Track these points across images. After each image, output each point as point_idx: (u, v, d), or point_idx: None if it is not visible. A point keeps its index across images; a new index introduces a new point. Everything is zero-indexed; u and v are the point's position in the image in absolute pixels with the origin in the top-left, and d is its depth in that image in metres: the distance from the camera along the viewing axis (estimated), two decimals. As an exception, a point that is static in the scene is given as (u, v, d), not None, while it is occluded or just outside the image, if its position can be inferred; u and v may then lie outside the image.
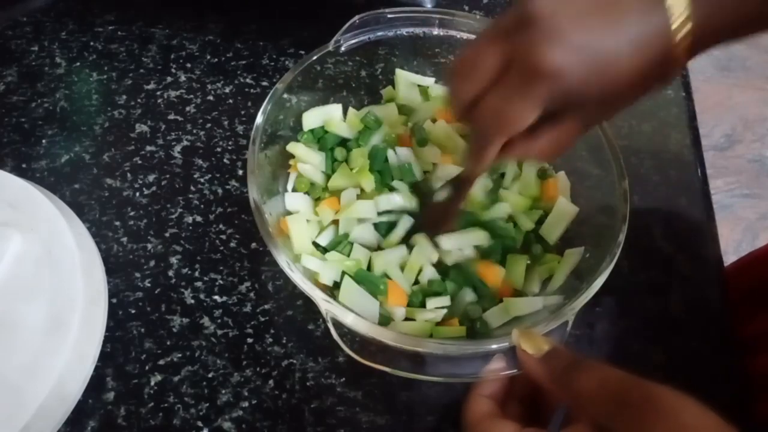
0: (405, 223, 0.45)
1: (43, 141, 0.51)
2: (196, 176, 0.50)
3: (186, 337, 0.43)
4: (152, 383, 0.41)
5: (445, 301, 0.42)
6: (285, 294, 0.45)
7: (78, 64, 0.56)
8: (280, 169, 0.47)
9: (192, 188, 0.50)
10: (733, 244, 1.49)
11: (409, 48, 0.52)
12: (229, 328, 0.44)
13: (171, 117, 0.53)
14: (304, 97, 0.48)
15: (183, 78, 0.56)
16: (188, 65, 0.57)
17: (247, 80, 0.56)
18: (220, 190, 0.50)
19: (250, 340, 0.43)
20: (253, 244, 0.47)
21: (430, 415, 0.41)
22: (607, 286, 0.38)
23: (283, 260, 0.38)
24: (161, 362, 0.42)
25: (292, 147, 0.47)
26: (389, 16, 0.49)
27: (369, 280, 0.42)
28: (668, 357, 0.45)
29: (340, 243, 0.44)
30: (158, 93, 0.55)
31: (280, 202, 0.46)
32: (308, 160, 0.47)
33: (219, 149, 0.52)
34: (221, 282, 0.45)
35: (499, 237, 0.45)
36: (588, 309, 0.39)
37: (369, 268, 0.44)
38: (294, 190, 0.47)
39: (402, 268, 0.44)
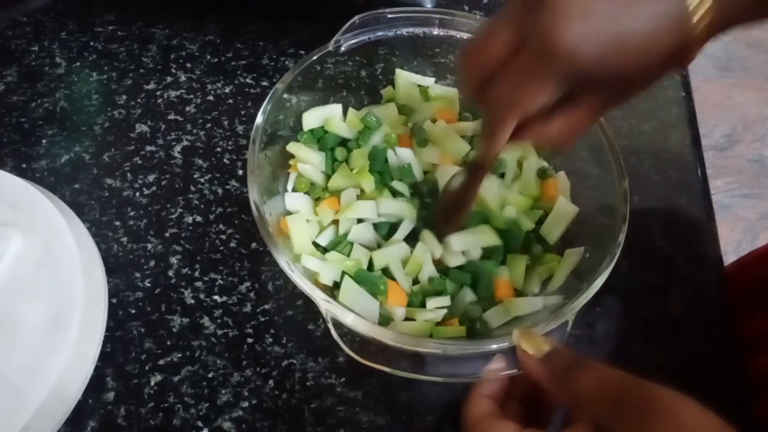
0: (405, 227, 0.45)
1: (43, 141, 0.51)
2: (196, 176, 0.50)
3: (186, 337, 0.43)
4: (152, 383, 0.41)
5: (445, 301, 0.42)
6: (285, 294, 0.45)
7: (78, 64, 0.56)
8: (280, 169, 0.47)
9: (192, 188, 0.50)
10: (733, 244, 1.49)
11: (409, 48, 0.52)
12: (229, 328, 0.44)
13: (171, 117, 0.53)
14: (304, 97, 0.48)
15: (183, 78, 0.56)
16: (188, 65, 0.57)
17: (247, 80, 0.56)
18: (220, 190, 0.50)
19: (250, 340, 0.43)
20: (253, 244, 0.47)
21: (430, 415, 0.41)
22: (607, 286, 0.38)
23: (283, 260, 0.38)
24: (161, 362, 0.42)
25: (292, 147, 0.47)
26: (389, 16, 0.49)
27: (369, 280, 0.42)
28: (668, 357, 0.45)
29: (340, 243, 0.44)
30: (158, 93, 0.55)
31: (280, 202, 0.46)
32: (308, 160, 0.47)
33: (219, 149, 0.52)
34: (221, 282, 0.45)
35: (509, 239, 0.45)
36: (588, 309, 0.39)
37: (369, 267, 0.44)
38: (294, 190, 0.47)
39: (403, 264, 0.44)
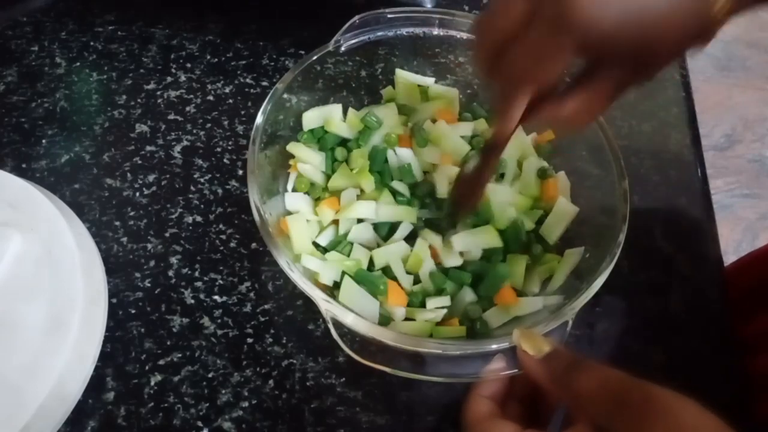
0: (405, 227, 0.45)
1: (43, 141, 0.51)
2: (196, 176, 0.50)
3: (186, 337, 0.43)
4: (152, 383, 0.41)
5: (445, 301, 0.42)
6: (285, 294, 0.45)
7: (78, 64, 0.56)
8: (280, 169, 0.47)
9: (192, 188, 0.50)
10: (733, 244, 1.49)
11: (409, 48, 0.52)
12: (229, 328, 0.44)
13: (171, 117, 0.53)
14: (304, 97, 0.48)
15: (183, 78, 0.56)
16: (188, 65, 0.57)
17: (247, 80, 0.56)
18: (220, 190, 0.50)
19: (250, 340, 0.43)
20: (253, 244, 0.47)
21: (430, 415, 0.41)
22: (607, 286, 0.38)
23: (283, 260, 0.38)
24: (161, 362, 0.42)
25: (292, 147, 0.47)
26: (389, 16, 0.49)
27: (369, 280, 0.42)
28: (668, 357, 0.45)
29: (340, 243, 0.44)
30: (158, 93, 0.55)
31: (280, 202, 0.46)
32: (308, 160, 0.47)
33: (219, 149, 0.52)
34: (221, 282, 0.45)
35: (509, 239, 0.45)
36: (588, 309, 0.39)
37: (369, 267, 0.44)
38: (294, 190, 0.47)
39: (404, 263, 0.44)
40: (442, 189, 0.46)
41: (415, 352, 0.35)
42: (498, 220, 0.45)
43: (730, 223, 1.53)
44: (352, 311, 0.36)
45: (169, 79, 0.56)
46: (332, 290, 0.43)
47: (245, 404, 0.41)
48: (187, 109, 0.54)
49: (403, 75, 0.51)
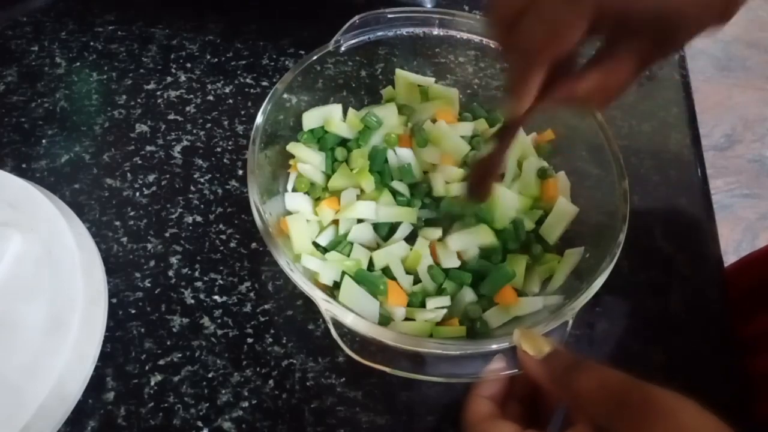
0: (405, 227, 0.45)
1: (43, 141, 0.51)
2: (196, 176, 0.50)
3: (186, 337, 0.43)
4: (152, 383, 0.41)
5: (445, 301, 0.42)
6: (285, 294, 0.45)
7: (78, 64, 0.56)
8: (280, 169, 0.47)
9: (192, 188, 0.50)
10: (733, 244, 1.49)
11: (409, 48, 0.52)
12: (229, 328, 0.44)
13: (171, 117, 0.53)
14: (304, 97, 0.48)
15: (183, 78, 0.56)
16: (188, 65, 0.57)
17: (247, 80, 0.56)
18: (220, 190, 0.50)
19: (250, 340, 0.43)
20: (253, 244, 0.47)
21: (430, 415, 0.41)
22: (607, 286, 0.38)
23: (283, 260, 0.38)
24: (161, 362, 0.42)
25: (292, 147, 0.47)
26: (389, 16, 0.49)
27: (369, 280, 0.42)
28: (668, 357, 0.45)
29: (340, 243, 0.44)
30: (158, 93, 0.55)
31: (280, 202, 0.46)
32: (308, 160, 0.47)
33: (219, 149, 0.52)
34: (221, 282, 0.45)
35: (509, 239, 0.45)
36: (588, 309, 0.39)
37: (369, 267, 0.44)
38: (294, 190, 0.47)
39: (403, 262, 0.44)
40: (439, 189, 0.47)
41: (415, 352, 0.35)
42: (498, 220, 0.45)
43: (730, 223, 1.53)
44: (352, 311, 0.36)
45: (169, 79, 0.56)
46: (332, 290, 0.43)
47: (245, 404, 0.41)
48: (187, 109, 0.54)
49: (403, 75, 0.51)
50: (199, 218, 0.48)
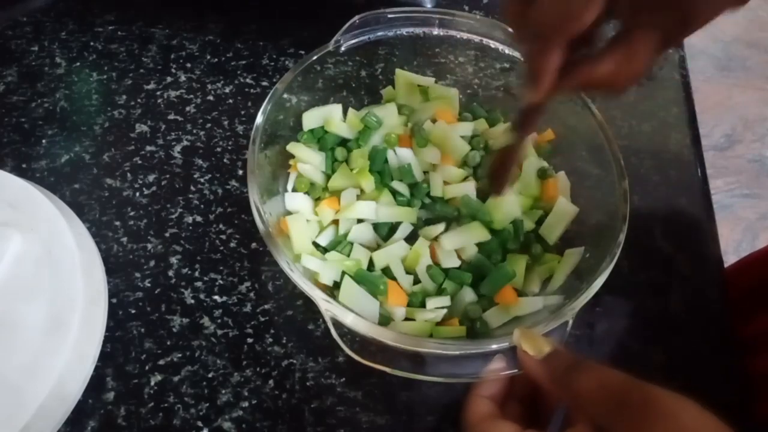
0: (405, 227, 0.45)
1: (43, 141, 0.51)
2: (196, 176, 0.50)
3: (186, 337, 0.43)
4: (152, 383, 0.41)
5: (445, 301, 0.42)
6: (285, 294, 0.45)
7: (78, 64, 0.56)
8: (280, 169, 0.47)
9: (192, 188, 0.50)
10: (733, 244, 1.49)
11: (409, 48, 0.52)
12: (229, 328, 0.44)
13: (171, 117, 0.53)
14: (304, 97, 0.48)
15: (183, 78, 0.56)
16: (188, 65, 0.57)
17: (247, 80, 0.56)
18: (220, 190, 0.50)
19: (250, 340, 0.43)
20: (253, 244, 0.47)
21: (430, 415, 0.41)
22: (607, 286, 0.38)
23: (283, 260, 0.38)
24: (161, 362, 0.42)
25: (292, 147, 0.47)
26: (389, 16, 0.49)
27: (369, 280, 0.42)
28: (668, 357, 0.45)
29: (340, 243, 0.44)
30: (158, 93, 0.55)
31: (280, 202, 0.46)
32: (308, 160, 0.47)
33: (219, 149, 0.52)
34: (221, 282, 0.45)
35: (508, 239, 0.45)
36: (588, 309, 0.39)
37: (369, 267, 0.44)
38: (294, 190, 0.47)
39: (403, 262, 0.44)
40: (437, 189, 0.47)
41: (415, 352, 0.35)
42: (498, 220, 0.45)
43: (730, 223, 1.53)
44: (352, 311, 0.36)
45: (169, 79, 0.56)
46: (332, 290, 0.43)
47: (245, 404, 0.41)
48: (187, 109, 0.54)
49: (403, 75, 0.51)
50: (199, 218, 0.48)
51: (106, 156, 0.51)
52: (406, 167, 0.47)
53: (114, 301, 0.44)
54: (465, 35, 0.50)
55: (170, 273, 0.45)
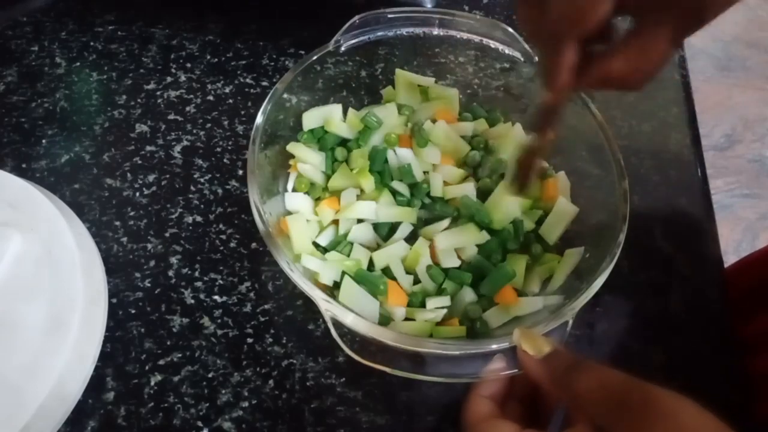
0: (405, 227, 0.45)
1: (43, 141, 0.51)
2: (196, 176, 0.50)
3: (186, 337, 0.43)
4: (152, 383, 0.41)
5: (445, 301, 0.42)
6: (285, 294, 0.45)
7: (78, 64, 0.56)
8: (280, 169, 0.47)
9: (192, 188, 0.50)
10: (733, 244, 1.49)
11: (409, 48, 0.52)
12: (229, 328, 0.44)
13: (171, 117, 0.53)
14: (304, 97, 0.48)
15: (183, 78, 0.56)
16: (188, 65, 0.57)
17: (247, 80, 0.56)
18: (220, 190, 0.50)
19: (250, 340, 0.43)
20: (253, 244, 0.47)
21: (430, 415, 0.41)
22: (607, 286, 0.38)
23: (283, 260, 0.38)
24: (161, 362, 0.42)
25: (292, 147, 0.47)
26: (389, 16, 0.49)
27: (369, 280, 0.42)
28: (668, 357, 0.45)
29: (340, 243, 0.44)
30: (158, 93, 0.55)
31: (280, 202, 0.46)
32: (308, 160, 0.47)
33: (219, 149, 0.52)
34: (221, 282, 0.45)
35: (508, 239, 0.45)
36: (588, 309, 0.39)
37: (369, 267, 0.44)
38: (294, 190, 0.47)
39: (403, 262, 0.44)
40: (437, 189, 0.47)
41: (415, 352, 0.35)
42: (498, 220, 0.45)
43: (730, 223, 1.53)
44: (352, 311, 0.36)
45: (169, 79, 0.56)
46: (332, 290, 0.43)
47: (245, 404, 0.41)
48: (187, 109, 0.54)
49: (403, 75, 0.51)
50: (199, 218, 0.48)
51: (106, 156, 0.51)
52: (406, 167, 0.47)
53: (114, 301, 0.44)
54: (465, 35, 0.50)
55: (170, 273, 0.45)
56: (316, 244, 0.45)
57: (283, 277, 0.45)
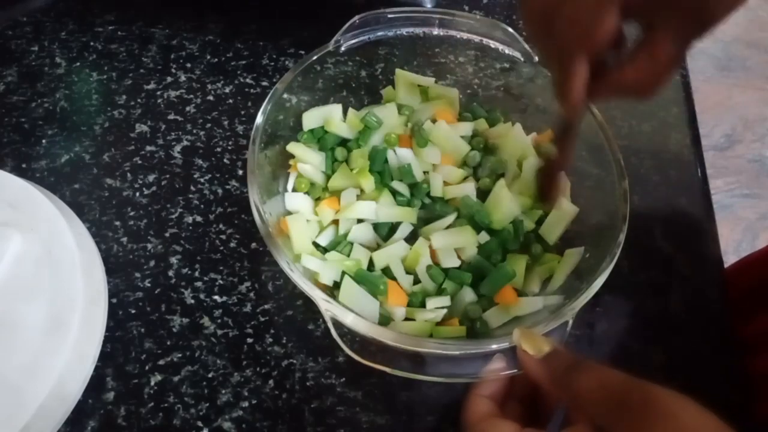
0: (405, 227, 0.45)
1: (43, 141, 0.51)
2: (196, 176, 0.50)
3: (186, 337, 0.43)
4: (152, 383, 0.41)
5: (445, 301, 0.42)
6: (285, 294, 0.45)
7: (78, 64, 0.56)
8: (280, 169, 0.47)
9: (192, 188, 0.50)
10: (733, 244, 1.49)
11: (409, 48, 0.52)
12: (229, 328, 0.44)
13: (171, 117, 0.53)
14: (304, 97, 0.48)
15: (183, 78, 0.56)
16: (188, 65, 0.57)
17: (247, 80, 0.56)
18: (220, 190, 0.50)
19: (250, 340, 0.43)
20: (253, 244, 0.47)
21: (430, 415, 0.41)
22: (607, 286, 0.38)
23: (283, 260, 0.38)
24: (161, 362, 0.42)
25: (292, 147, 0.47)
26: (389, 16, 0.49)
27: (369, 280, 0.42)
28: (668, 357, 0.45)
29: (340, 243, 0.44)
30: (158, 93, 0.55)
31: (280, 202, 0.46)
32: (308, 160, 0.47)
33: (219, 149, 0.52)
34: (221, 282, 0.45)
35: (508, 239, 0.45)
36: (588, 309, 0.39)
37: (369, 267, 0.44)
38: (294, 190, 0.47)
39: (403, 262, 0.44)
40: (437, 189, 0.47)
41: (415, 352, 0.35)
42: (497, 219, 0.45)
43: (730, 223, 1.53)
44: (352, 311, 0.36)
45: (169, 79, 0.56)
46: (332, 290, 0.43)
47: (245, 404, 0.41)
48: (187, 109, 0.54)
49: (403, 75, 0.51)
50: (199, 218, 0.48)
51: (106, 156, 0.51)
52: (406, 167, 0.47)
53: (114, 301, 0.44)
54: (465, 35, 0.50)
55: (170, 273, 0.46)
56: (316, 244, 0.45)
57: (283, 277, 0.45)
